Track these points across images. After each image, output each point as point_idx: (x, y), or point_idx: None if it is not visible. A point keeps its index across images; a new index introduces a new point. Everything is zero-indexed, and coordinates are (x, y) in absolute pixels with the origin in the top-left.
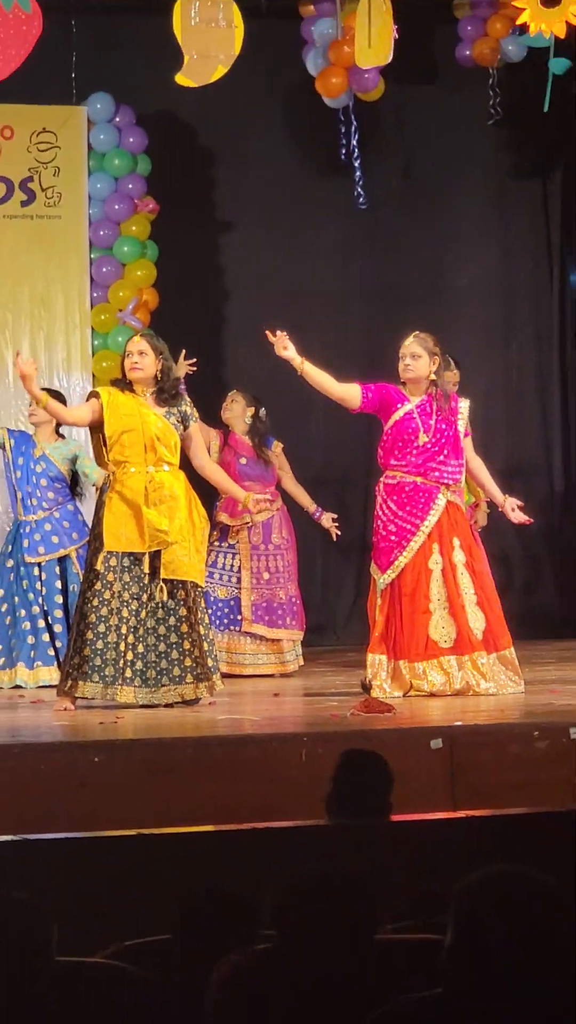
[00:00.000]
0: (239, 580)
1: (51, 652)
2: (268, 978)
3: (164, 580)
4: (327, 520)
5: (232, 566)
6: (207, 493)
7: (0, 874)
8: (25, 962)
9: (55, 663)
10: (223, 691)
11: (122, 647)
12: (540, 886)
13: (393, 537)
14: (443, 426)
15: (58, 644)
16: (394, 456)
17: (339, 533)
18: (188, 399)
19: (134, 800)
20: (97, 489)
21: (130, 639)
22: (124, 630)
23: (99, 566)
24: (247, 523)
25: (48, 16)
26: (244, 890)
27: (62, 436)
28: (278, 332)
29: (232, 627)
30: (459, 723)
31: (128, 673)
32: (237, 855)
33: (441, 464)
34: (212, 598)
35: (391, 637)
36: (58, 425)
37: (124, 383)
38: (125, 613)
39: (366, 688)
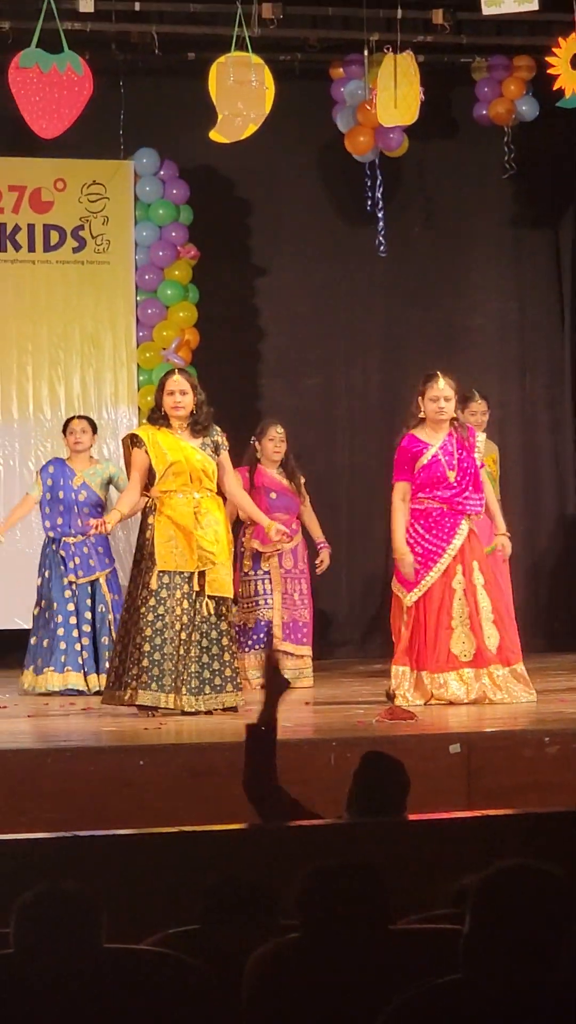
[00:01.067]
0: (271, 602)
1: (80, 660)
2: (299, 966)
3: (209, 596)
4: (325, 554)
5: (268, 590)
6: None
7: (53, 867)
8: (76, 949)
9: (82, 671)
10: (260, 700)
11: (175, 659)
12: (550, 879)
13: (420, 559)
14: (465, 464)
15: (84, 655)
16: (423, 491)
17: (325, 569)
18: (219, 428)
19: (176, 800)
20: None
21: (180, 651)
22: (176, 643)
23: (154, 584)
24: (279, 550)
25: (98, 78)
26: (274, 883)
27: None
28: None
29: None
30: (476, 730)
31: (178, 682)
32: (271, 851)
33: (466, 499)
34: (263, 622)
35: (415, 650)
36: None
37: (161, 418)
38: (177, 627)
39: (390, 697)
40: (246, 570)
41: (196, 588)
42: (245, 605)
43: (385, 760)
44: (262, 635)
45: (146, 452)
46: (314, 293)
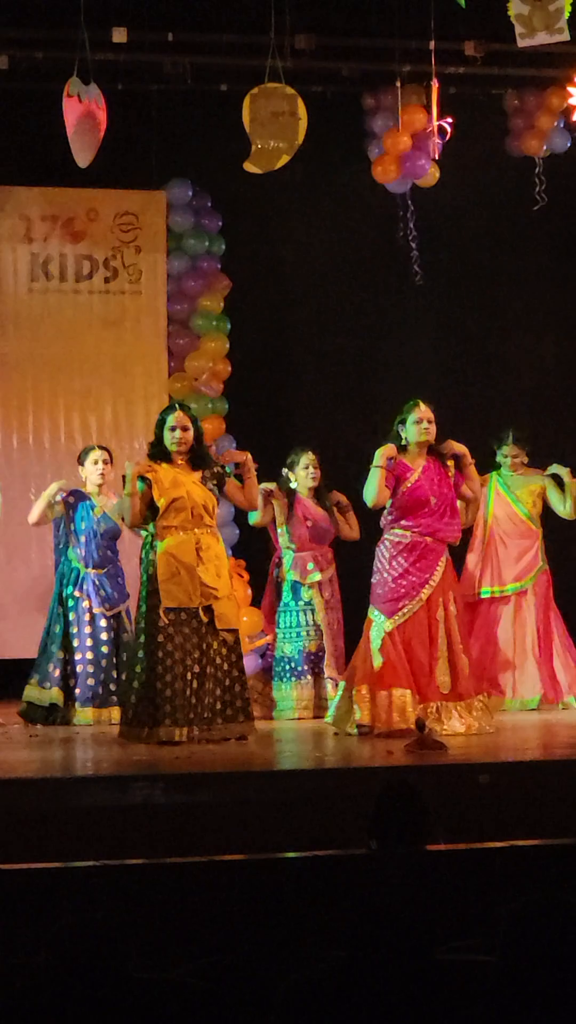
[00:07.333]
0: (319, 632)
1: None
2: (327, 996)
3: (220, 630)
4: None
5: (310, 621)
6: (263, 550)
7: (82, 896)
8: (106, 979)
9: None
10: (287, 729)
11: (187, 692)
12: None
13: (403, 589)
14: (444, 489)
15: (112, 686)
16: (406, 518)
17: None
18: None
19: (202, 829)
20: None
21: (194, 685)
22: (189, 676)
23: (161, 621)
24: (318, 581)
25: (131, 108)
26: (301, 913)
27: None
28: None
29: (319, 675)
30: (505, 759)
31: (191, 715)
32: (299, 880)
33: (446, 524)
34: (308, 653)
35: (398, 675)
36: None
37: (161, 453)
38: (189, 661)
39: (420, 727)
40: (287, 600)
41: (204, 621)
42: (288, 635)
43: (405, 788)
44: (306, 667)
45: (148, 488)
46: (347, 324)
